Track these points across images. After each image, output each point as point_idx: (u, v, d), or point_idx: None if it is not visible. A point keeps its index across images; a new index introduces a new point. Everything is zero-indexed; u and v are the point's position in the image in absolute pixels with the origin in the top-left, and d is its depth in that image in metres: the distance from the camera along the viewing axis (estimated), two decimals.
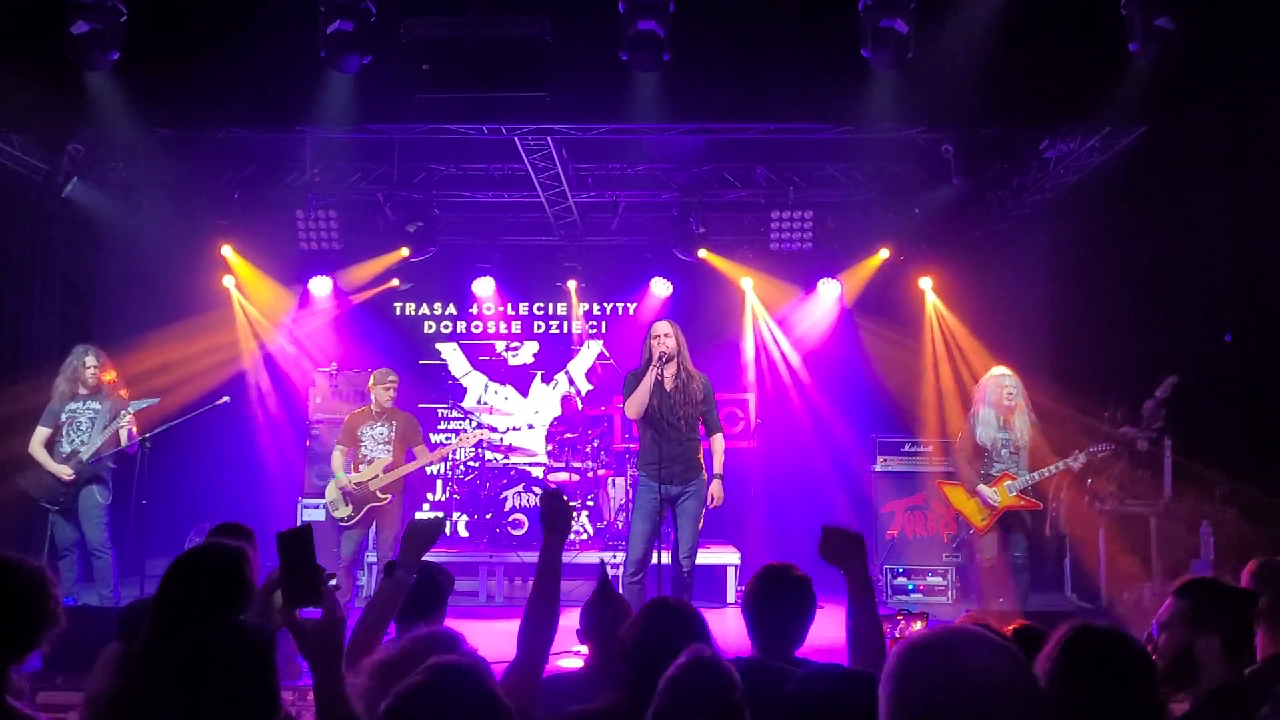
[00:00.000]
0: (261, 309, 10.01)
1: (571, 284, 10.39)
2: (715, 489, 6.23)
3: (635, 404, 6.18)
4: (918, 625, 4.07)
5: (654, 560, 6.09)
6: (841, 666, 2.53)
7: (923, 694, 1.52)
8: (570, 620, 3.03)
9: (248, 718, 2.05)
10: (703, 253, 9.55)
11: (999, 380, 7.03)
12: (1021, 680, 1.54)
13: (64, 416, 7.11)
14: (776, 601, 3.03)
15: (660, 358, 6.13)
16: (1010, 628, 2.61)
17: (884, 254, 9.66)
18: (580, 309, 10.61)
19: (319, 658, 2.28)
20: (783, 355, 10.30)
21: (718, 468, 6.26)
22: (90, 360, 7.16)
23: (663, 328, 6.24)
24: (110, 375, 7.25)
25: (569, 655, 4.62)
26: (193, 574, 2.57)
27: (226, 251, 9.57)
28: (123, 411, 7.03)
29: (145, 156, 8.46)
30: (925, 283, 9.83)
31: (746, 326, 10.24)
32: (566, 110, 6.96)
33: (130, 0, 6.13)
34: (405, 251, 9.40)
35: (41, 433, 7.10)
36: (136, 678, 2.43)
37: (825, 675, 2.22)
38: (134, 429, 7.15)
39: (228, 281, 9.77)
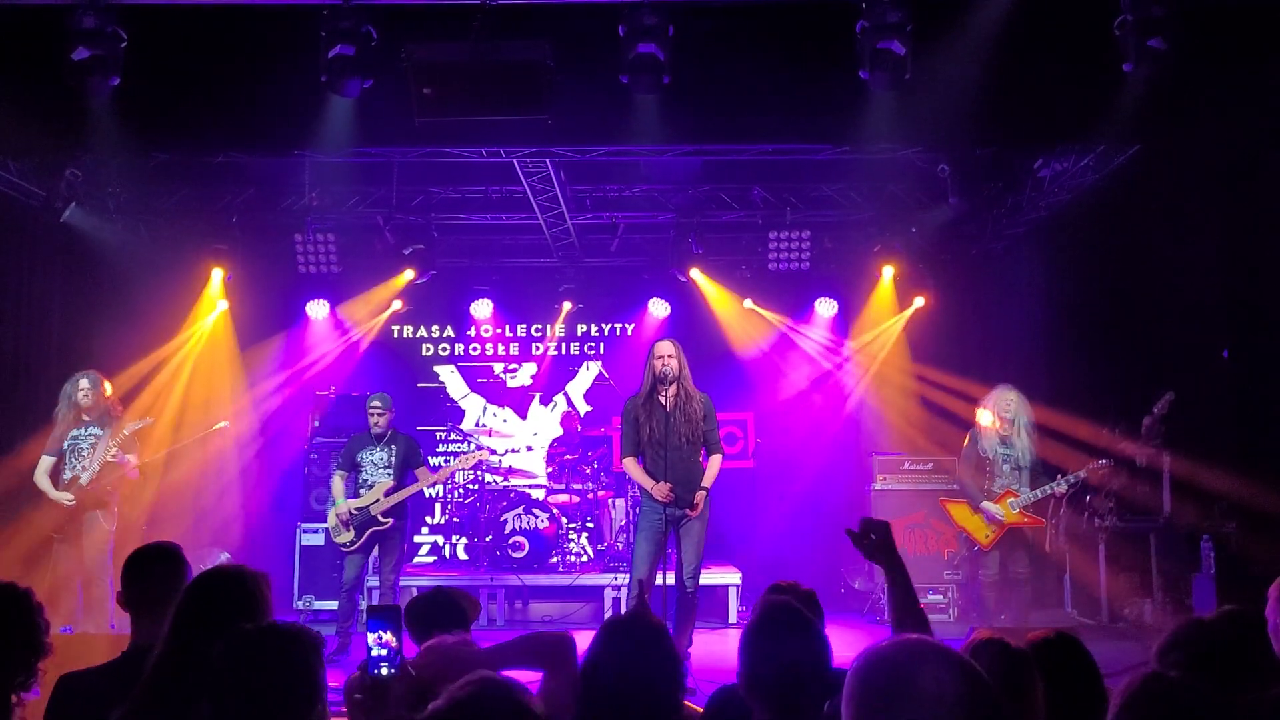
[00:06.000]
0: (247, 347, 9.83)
1: (566, 305, 10.41)
2: (699, 496, 6.17)
3: (628, 467, 6.35)
4: None
5: (658, 581, 6.08)
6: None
7: (878, 708, 1.50)
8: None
9: (292, 707, 2.07)
10: (694, 272, 9.56)
11: (1000, 396, 7.15)
12: (977, 697, 1.50)
13: (66, 444, 7.07)
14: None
15: (663, 378, 6.13)
16: (1035, 637, 2.58)
17: (889, 272, 9.57)
18: (561, 330, 10.62)
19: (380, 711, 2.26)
20: (781, 374, 10.31)
21: (707, 481, 6.23)
22: (84, 385, 7.09)
23: (664, 348, 6.22)
24: (109, 399, 7.20)
25: None
26: (215, 589, 2.55)
27: (216, 279, 9.28)
28: (111, 434, 6.99)
29: (143, 181, 8.46)
30: (919, 301, 9.84)
31: (744, 346, 10.24)
32: (567, 133, 6.96)
33: (130, 26, 6.13)
34: (411, 274, 9.39)
35: (46, 462, 7.05)
36: (156, 691, 2.40)
37: None
38: (131, 455, 7.09)
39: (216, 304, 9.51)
